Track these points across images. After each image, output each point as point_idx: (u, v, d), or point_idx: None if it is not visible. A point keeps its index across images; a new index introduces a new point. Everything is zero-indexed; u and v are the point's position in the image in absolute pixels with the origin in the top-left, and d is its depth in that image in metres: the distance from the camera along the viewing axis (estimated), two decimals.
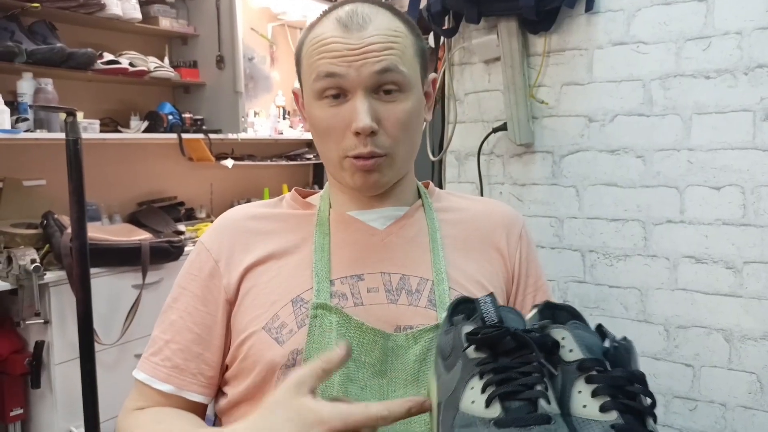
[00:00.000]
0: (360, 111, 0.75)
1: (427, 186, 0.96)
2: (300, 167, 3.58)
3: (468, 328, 0.63)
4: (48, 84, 2.32)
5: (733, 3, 1.32)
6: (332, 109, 0.77)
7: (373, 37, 0.75)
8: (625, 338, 0.65)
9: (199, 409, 0.84)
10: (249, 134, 3.05)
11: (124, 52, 2.64)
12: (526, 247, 0.92)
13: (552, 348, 0.63)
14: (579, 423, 0.56)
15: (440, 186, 1.78)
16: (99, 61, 2.49)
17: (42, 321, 2.12)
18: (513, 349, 0.60)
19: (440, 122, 1.77)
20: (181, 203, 3.03)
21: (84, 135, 2.37)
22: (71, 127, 1.96)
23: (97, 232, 2.39)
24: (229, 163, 3.01)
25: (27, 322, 2.10)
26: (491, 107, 1.66)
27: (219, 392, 0.85)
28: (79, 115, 2.44)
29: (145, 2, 2.76)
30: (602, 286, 1.53)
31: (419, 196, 0.92)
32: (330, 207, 0.88)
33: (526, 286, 0.90)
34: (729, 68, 1.34)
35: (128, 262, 2.35)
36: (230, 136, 2.96)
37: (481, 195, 1.67)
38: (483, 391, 0.57)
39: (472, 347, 0.62)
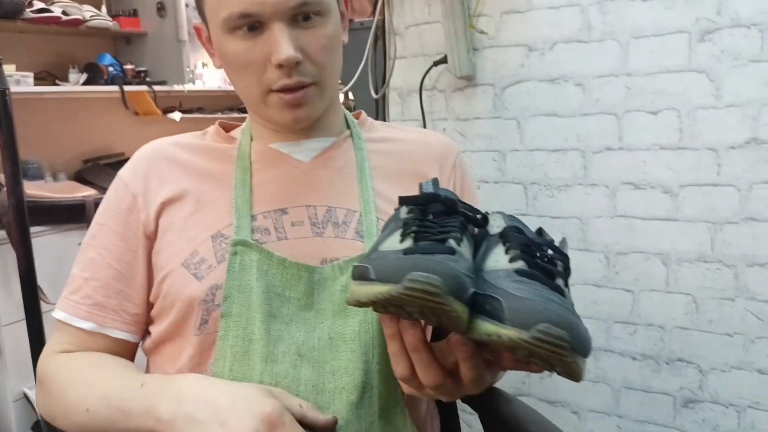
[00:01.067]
0: (281, 42, 0.70)
1: (358, 116, 0.93)
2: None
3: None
4: None
5: None
6: (248, 41, 0.72)
7: None
8: (563, 239, 0.67)
9: (127, 349, 0.82)
10: (197, 86, 2.95)
11: (56, 0, 2.51)
12: (460, 178, 0.90)
13: (481, 222, 0.66)
14: (487, 273, 0.57)
15: None
16: (29, 10, 2.36)
17: None
18: (441, 212, 0.62)
19: (382, 58, 1.72)
20: (128, 160, 2.94)
21: (17, 88, 2.27)
22: None
23: (39, 190, 2.30)
24: (176, 116, 2.92)
25: None
26: (432, 40, 1.61)
27: (146, 332, 0.83)
28: (11, 68, 2.33)
29: None
30: (544, 217, 1.53)
31: (348, 126, 0.89)
32: (252, 140, 0.85)
33: None
34: None
35: (73, 220, 2.26)
36: (176, 87, 2.86)
37: None
38: (402, 237, 0.59)
39: (404, 208, 0.64)
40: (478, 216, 0.66)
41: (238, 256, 0.74)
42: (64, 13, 2.47)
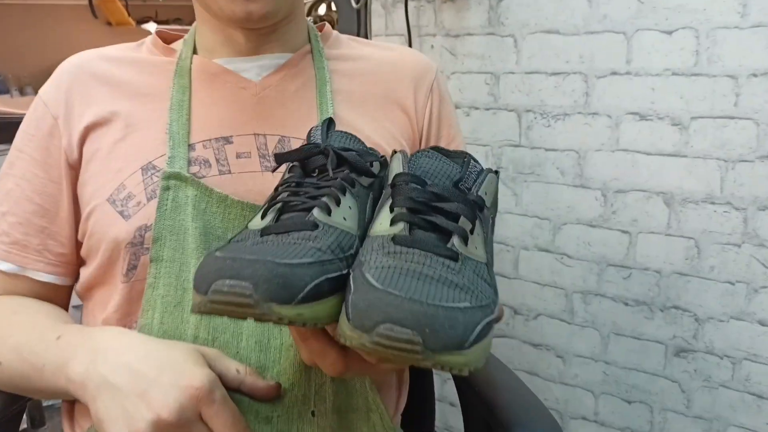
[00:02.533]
0: None
1: (321, 29, 0.78)
2: None
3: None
4: None
5: None
6: None
7: None
8: (495, 171, 0.54)
9: (59, 293, 0.72)
10: None
11: None
12: (438, 102, 0.78)
13: (375, 172, 0.55)
14: (367, 242, 0.47)
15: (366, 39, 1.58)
16: None
17: None
18: (323, 167, 0.52)
19: None
20: None
21: None
22: None
23: (3, 105, 2.16)
24: (151, 27, 2.71)
25: None
26: None
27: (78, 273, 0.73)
28: None
29: None
30: (539, 150, 1.38)
31: (309, 41, 0.76)
32: (195, 53, 0.72)
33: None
34: None
35: None
36: None
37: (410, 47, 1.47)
38: (265, 210, 0.50)
39: (286, 168, 0.54)
40: (373, 163, 0.55)
41: (170, 191, 0.63)
42: None
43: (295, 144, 0.68)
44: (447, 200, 0.47)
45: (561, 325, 1.43)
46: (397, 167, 0.52)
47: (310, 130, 0.58)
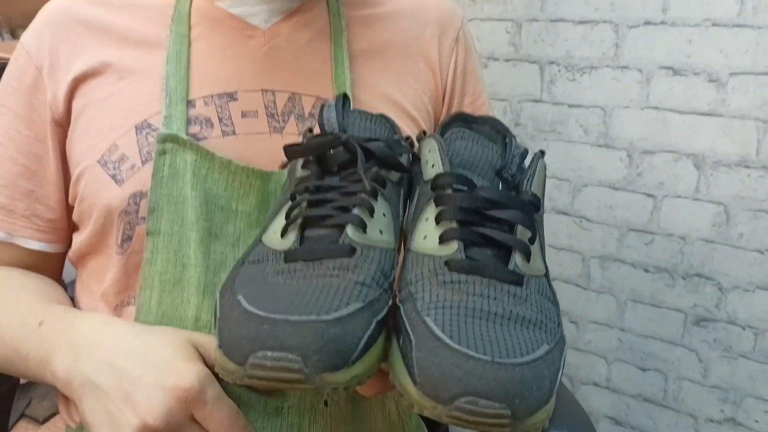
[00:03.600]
0: None
1: None
2: None
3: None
4: None
5: None
6: None
7: None
8: (540, 151, 0.46)
9: (49, 260, 0.67)
10: None
11: None
12: (464, 55, 0.71)
13: (408, 165, 0.47)
14: (411, 260, 0.39)
15: None
16: None
17: None
18: (347, 163, 0.43)
19: None
20: None
21: None
22: None
23: None
24: None
25: None
26: None
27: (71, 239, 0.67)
28: None
29: None
30: (561, 106, 1.30)
31: None
32: None
33: (460, 105, 0.71)
34: None
35: None
36: None
37: None
38: (288, 218, 0.43)
39: (299, 164, 0.46)
40: (402, 156, 0.47)
41: (167, 155, 0.56)
42: None
43: (307, 103, 0.61)
44: (502, 206, 0.40)
45: (576, 290, 1.38)
46: (432, 158, 0.44)
47: (321, 108, 0.50)
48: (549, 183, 1.36)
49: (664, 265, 1.27)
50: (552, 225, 1.38)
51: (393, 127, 0.53)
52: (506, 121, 1.37)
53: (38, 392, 1.74)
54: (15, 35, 2.43)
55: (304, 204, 0.42)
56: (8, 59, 1.84)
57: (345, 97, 0.52)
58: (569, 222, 1.36)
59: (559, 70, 1.28)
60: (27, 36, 0.63)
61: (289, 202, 0.43)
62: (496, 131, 0.52)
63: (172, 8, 0.63)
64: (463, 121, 0.54)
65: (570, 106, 1.29)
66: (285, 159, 0.50)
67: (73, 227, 0.65)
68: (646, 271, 1.29)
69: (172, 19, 0.62)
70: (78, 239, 0.63)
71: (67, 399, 0.64)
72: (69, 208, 0.64)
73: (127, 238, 0.57)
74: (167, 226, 0.55)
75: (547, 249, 1.37)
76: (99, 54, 0.61)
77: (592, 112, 1.27)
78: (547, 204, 1.37)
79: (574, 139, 1.30)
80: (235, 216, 0.57)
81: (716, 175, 1.17)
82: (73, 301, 0.64)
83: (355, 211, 0.41)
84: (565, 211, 1.36)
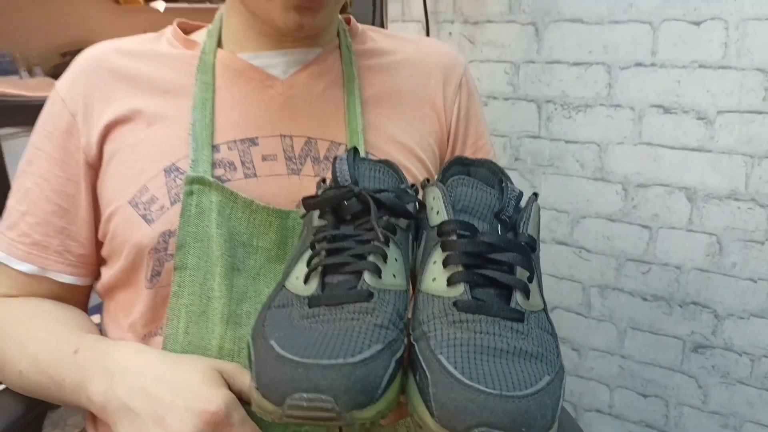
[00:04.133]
0: None
1: (348, 22, 0.75)
2: None
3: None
4: None
5: None
6: None
7: None
8: (533, 194, 0.51)
9: (78, 292, 0.71)
10: None
11: None
12: (467, 99, 0.75)
13: (415, 212, 0.52)
14: (422, 301, 0.44)
15: (381, 25, 1.54)
16: None
17: None
18: (360, 212, 0.48)
19: None
20: None
21: None
22: None
23: (12, 87, 2.13)
24: (160, 5, 2.66)
25: None
26: None
27: (99, 273, 0.71)
28: None
29: None
30: (558, 142, 1.36)
31: (338, 35, 0.72)
32: (219, 46, 0.69)
33: (464, 146, 0.75)
34: None
35: None
36: None
37: (427, 35, 1.44)
38: (309, 266, 0.46)
39: (315, 214, 0.51)
40: (409, 204, 0.52)
41: (194, 196, 0.61)
42: None
43: (322, 146, 0.66)
44: (501, 249, 0.45)
45: (577, 318, 1.42)
46: (436, 205, 0.49)
47: (334, 161, 0.55)
48: (549, 214, 1.41)
49: (662, 294, 1.31)
50: (552, 255, 1.43)
51: (399, 174, 0.57)
52: (507, 156, 1.43)
53: (50, 420, 1.78)
54: (32, 73, 2.51)
55: (324, 252, 0.47)
56: (27, 96, 1.93)
57: (355, 150, 0.57)
58: (569, 252, 1.41)
59: (556, 109, 1.35)
60: (62, 84, 0.68)
61: (310, 251, 0.48)
62: (492, 174, 0.57)
63: (197, 59, 0.67)
64: (462, 164, 0.58)
65: (567, 141, 1.35)
66: (302, 204, 0.56)
67: (101, 262, 0.70)
68: (644, 299, 1.34)
69: (197, 69, 0.67)
70: (107, 273, 0.67)
71: (95, 424, 0.68)
72: (98, 244, 0.68)
73: (156, 273, 0.62)
74: (194, 261, 0.59)
75: (548, 278, 1.42)
76: (129, 101, 0.66)
77: (588, 148, 1.33)
78: (547, 235, 1.42)
79: (571, 173, 1.36)
80: (255, 251, 0.61)
81: (708, 208, 1.23)
82: (101, 331, 0.69)
83: (370, 258, 0.45)
84: (564, 242, 1.41)
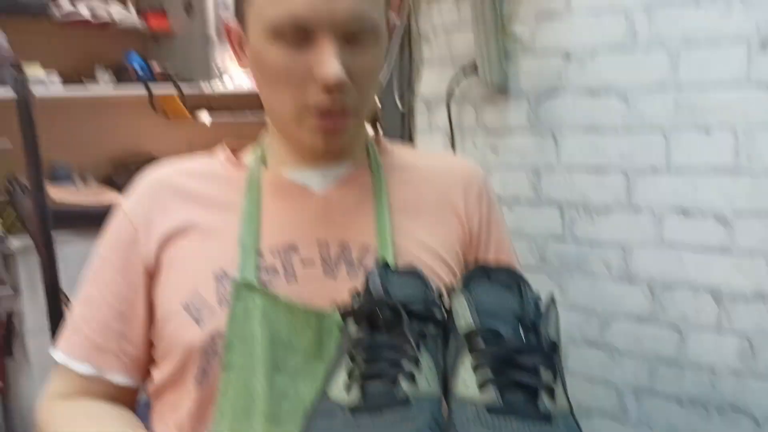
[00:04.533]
0: (330, 59, 0.63)
1: (377, 139, 0.84)
2: None
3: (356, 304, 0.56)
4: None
5: None
6: (292, 52, 0.65)
7: None
8: (551, 298, 0.55)
9: (129, 393, 0.76)
10: (226, 83, 2.90)
11: None
12: (487, 207, 0.81)
13: (442, 319, 0.56)
14: (456, 405, 0.48)
15: (410, 136, 1.64)
16: (57, 11, 2.33)
17: (10, 291, 2.05)
18: (392, 322, 0.53)
19: (408, 65, 1.61)
20: (154, 160, 2.91)
21: (44, 90, 2.25)
22: (20, 85, 1.82)
23: (66, 194, 2.29)
24: (206, 118, 2.87)
25: None
26: (462, 46, 1.49)
27: (148, 373, 0.77)
28: (38, 69, 2.32)
29: None
30: (583, 244, 1.40)
31: (368, 151, 0.81)
32: (264, 165, 0.77)
33: (486, 251, 0.80)
34: None
35: (99, 226, 2.25)
36: (205, 90, 2.81)
37: (453, 145, 1.53)
38: (349, 375, 0.50)
39: (351, 324, 0.55)
40: (436, 314, 0.56)
41: (241, 300, 0.67)
42: (92, 13, 2.44)
43: (355, 251, 0.72)
44: (526, 353, 0.49)
45: (614, 425, 1.40)
46: (463, 312, 0.54)
47: (367, 275, 0.59)
48: (578, 315, 1.42)
49: (698, 398, 1.29)
50: (584, 357, 1.43)
51: (425, 282, 0.62)
52: (533, 257, 1.47)
53: None
54: (86, 181, 2.70)
55: (362, 362, 0.51)
56: (80, 204, 2.06)
57: (385, 264, 0.62)
58: (600, 354, 1.41)
59: (578, 212, 1.39)
60: (127, 199, 0.77)
61: (348, 359, 0.52)
62: (511, 278, 0.60)
63: (245, 178, 0.76)
64: (482, 270, 0.62)
65: (591, 243, 1.39)
66: (339, 314, 0.60)
67: (152, 363, 0.75)
68: (680, 404, 1.31)
69: (245, 186, 0.75)
70: (158, 374, 0.72)
71: None
72: (150, 346, 0.74)
73: (204, 373, 0.67)
74: (239, 361, 0.65)
75: (581, 381, 1.42)
76: (186, 215, 0.73)
77: (612, 250, 1.36)
78: (577, 336, 1.43)
79: (597, 274, 1.39)
80: (295, 351, 0.66)
81: (735, 309, 1.23)
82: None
83: (406, 365, 0.50)
84: (595, 343, 1.41)
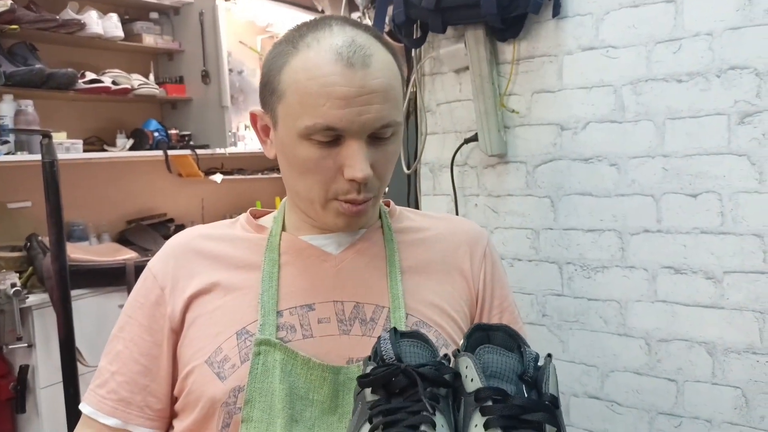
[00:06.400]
0: (359, 160, 0.71)
1: (387, 205, 0.92)
2: None
3: (369, 368, 0.61)
4: (28, 106, 2.31)
5: (702, 3, 1.27)
6: (322, 150, 0.72)
7: (376, 80, 0.71)
8: (548, 355, 0.62)
9: None
10: (238, 148, 3.02)
11: (107, 70, 2.63)
12: (491, 267, 0.88)
13: (452, 381, 0.61)
14: None
15: (416, 199, 1.75)
16: (81, 81, 2.48)
17: (25, 345, 2.10)
18: (407, 386, 0.58)
19: (414, 134, 1.73)
20: (171, 220, 3.01)
21: (67, 155, 2.37)
22: (47, 149, 1.94)
23: (82, 252, 2.37)
24: (218, 178, 2.98)
25: (9, 347, 2.09)
26: (463, 117, 1.61)
27: (170, 425, 0.82)
28: (62, 135, 2.44)
29: (128, 20, 2.75)
30: (581, 299, 1.47)
31: (380, 216, 0.89)
32: (283, 229, 0.84)
33: (491, 307, 0.86)
34: (701, 71, 1.29)
35: (113, 282, 2.32)
36: (218, 150, 2.94)
37: (456, 207, 1.63)
38: None
39: (368, 389, 0.60)
40: (446, 376, 0.61)
41: (261, 356, 0.72)
42: (113, 82, 2.59)
43: (368, 310, 0.78)
44: (531, 410, 0.54)
45: None
46: (470, 373, 0.58)
47: (378, 340, 0.63)
48: (579, 368, 1.49)
49: None
50: (586, 409, 1.48)
51: (431, 345, 0.67)
52: (534, 312, 1.54)
53: None
54: (101, 239, 2.78)
55: (381, 426, 0.56)
56: (94, 261, 2.17)
57: (395, 330, 0.66)
58: (602, 406, 1.46)
59: (576, 269, 1.48)
60: (154, 262, 0.83)
61: (368, 424, 0.57)
62: (509, 337, 0.66)
63: (266, 240, 0.82)
64: (481, 330, 0.68)
65: (589, 299, 1.47)
66: (351, 356, 0.66)
67: (174, 415, 0.80)
68: None
69: (266, 249, 0.81)
70: (180, 426, 0.77)
71: None
72: (173, 399, 0.79)
73: (225, 425, 0.72)
74: (258, 414, 0.70)
75: None
76: (210, 276, 0.79)
77: (609, 305, 1.44)
78: (578, 388, 1.49)
79: (596, 328, 1.46)
80: (311, 404, 0.71)
81: (729, 361, 1.30)
82: None
83: (423, 428, 0.54)
84: (596, 396, 1.47)
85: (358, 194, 0.73)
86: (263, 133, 0.80)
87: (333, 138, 0.71)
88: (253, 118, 0.81)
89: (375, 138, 0.73)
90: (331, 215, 0.76)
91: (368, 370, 0.61)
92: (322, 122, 0.70)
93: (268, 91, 0.75)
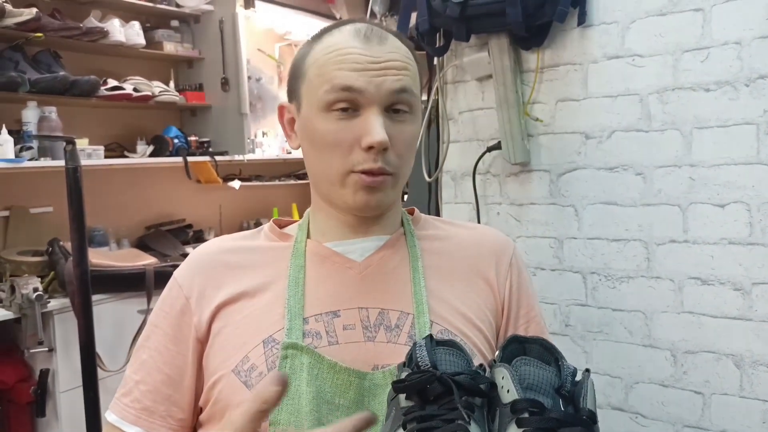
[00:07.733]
0: (375, 125, 0.73)
1: (411, 212, 0.92)
2: (309, 186, 3.56)
3: (404, 374, 0.61)
4: (52, 112, 2.34)
5: (731, 11, 1.26)
6: (342, 122, 0.75)
7: (392, 53, 0.75)
8: (586, 370, 0.61)
9: None
10: (257, 155, 3.04)
11: (128, 78, 2.67)
12: (517, 276, 0.87)
13: (487, 391, 0.61)
14: None
15: (437, 207, 1.74)
16: (103, 88, 2.51)
17: (46, 349, 2.12)
18: (442, 394, 0.58)
19: (435, 142, 1.73)
20: (189, 225, 3.03)
21: (89, 161, 2.40)
22: (70, 156, 1.96)
23: (102, 258, 2.40)
24: (236, 184, 3.00)
25: (30, 351, 2.11)
26: (486, 125, 1.61)
27: None
28: (84, 142, 2.47)
29: (150, 28, 2.79)
30: (605, 310, 1.46)
31: (403, 224, 0.89)
32: (308, 237, 0.84)
33: (517, 317, 0.86)
34: (729, 80, 1.27)
35: (133, 288, 2.34)
36: (236, 157, 2.96)
37: (478, 216, 1.62)
38: None
39: (402, 395, 0.60)
40: (482, 386, 0.60)
41: (288, 360, 0.73)
42: (135, 89, 2.62)
43: (393, 316, 0.78)
44: (568, 424, 0.53)
45: None
46: (507, 384, 0.58)
47: (414, 346, 0.63)
48: (603, 380, 1.47)
49: None
50: (609, 421, 1.46)
51: (466, 354, 0.66)
52: (557, 322, 1.53)
53: None
54: (120, 245, 2.81)
55: (414, 428, 0.56)
56: (114, 266, 2.19)
57: (431, 338, 0.66)
58: (626, 418, 1.44)
59: (600, 279, 1.47)
60: (180, 272, 0.83)
61: (402, 430, 0.57)
62: (546, 350, 0.65)
63: (290, 248, 0.83)
64: (518, 342, 0.67)
65: (613, 310, 1.45)
66: (377, 363, 0.65)
67: (197, 425, 0.81)
68: None
69: (291, 255, 0.81)
70: None
71: None
72: (198, 410, 0.80)
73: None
74: (286, 417, 0.70)
75: None
76: (236, 286, 0.80)
77: (634, 316, 1.42)
78: (603, 400, 1.47)
79: (621, 339, 1.44)
80: (337, 408, 0.71)
81: (757, 374, 1.28)
82: None
83: None
84: (620, 408, 1.45)
85: (374, 162, 0.74)
86: (289, 126, 0.83)
87: (351, 105, 0.74)
88: (281, 110, 0.84)
89: (392, 111, 0.75)
90: (350, 192, 0.77)
91: (403, 375, 0.60)
92: (339, 82, 0.73)
93: (294, 78, 0.80)
